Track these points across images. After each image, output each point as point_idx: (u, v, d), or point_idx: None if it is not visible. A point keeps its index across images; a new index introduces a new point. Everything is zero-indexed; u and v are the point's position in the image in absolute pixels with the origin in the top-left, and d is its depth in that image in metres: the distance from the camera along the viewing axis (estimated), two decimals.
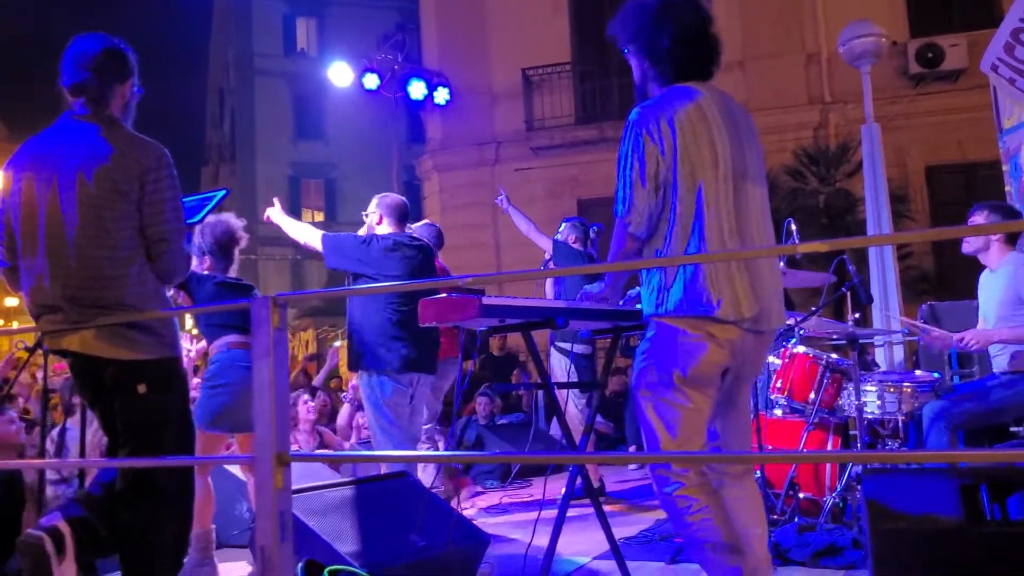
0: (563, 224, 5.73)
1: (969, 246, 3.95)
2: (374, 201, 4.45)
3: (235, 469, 4.42)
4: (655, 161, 2.35)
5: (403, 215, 4.39)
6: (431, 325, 2.74)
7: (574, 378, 5.29)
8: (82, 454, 3.73)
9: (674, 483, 2.33)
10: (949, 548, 2.47)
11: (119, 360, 2.46)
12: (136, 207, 2.48)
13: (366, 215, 4.45)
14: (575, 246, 5.58)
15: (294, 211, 27.76)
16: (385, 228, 4.32)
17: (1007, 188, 6.14)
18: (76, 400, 3.71)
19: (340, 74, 11.53)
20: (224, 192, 3.67)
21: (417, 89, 11.63)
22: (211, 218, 4.05)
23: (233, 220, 4.11)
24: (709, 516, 2.29)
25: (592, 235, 5.67)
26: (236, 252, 4.09)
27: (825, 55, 11.93)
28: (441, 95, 11.89)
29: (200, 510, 3.80)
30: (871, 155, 6.85)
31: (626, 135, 2.41)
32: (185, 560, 3.76)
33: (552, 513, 2.96)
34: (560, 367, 5.45)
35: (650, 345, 2.41)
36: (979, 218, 3.84)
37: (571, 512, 3.07)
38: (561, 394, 5.49)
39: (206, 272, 4.04)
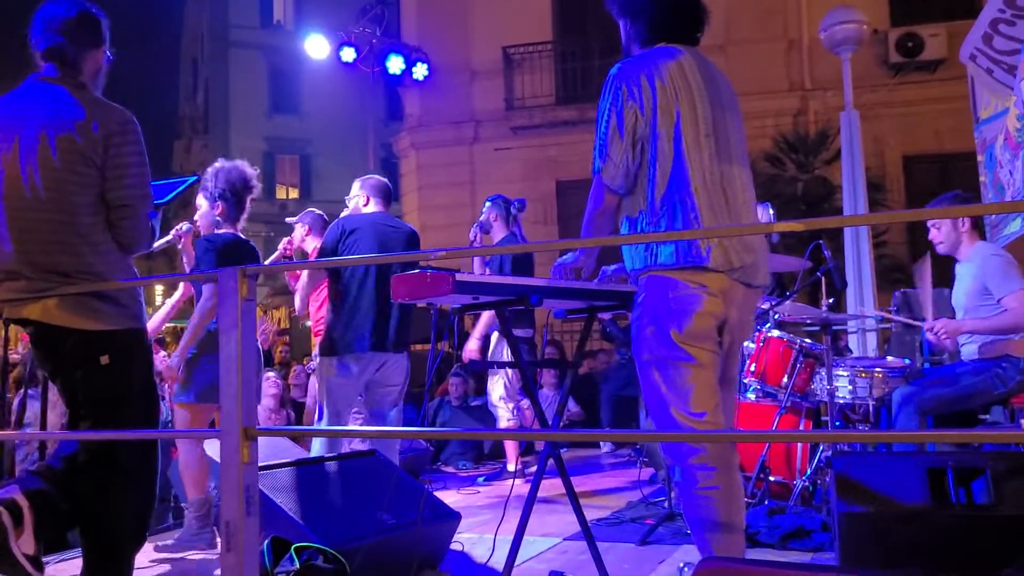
0: (486, 203, 5.68)
1: (944, 247, 3.95)
2: (356, 184, 4.43)
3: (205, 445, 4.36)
4: (633, 115, 2.34)
5: (387, 196, 4.38)
6: (404, 302, 2.70)
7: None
8: (43, 426, 3.66)
9: (692, 448, 2.28)
10: (915, 531, 2.49)
11: (82, 330, 2.40)
12: (99, 172, 2.41)
13: (349, 199, 4.41)
14: (496, 224, 5.54)
15: (268, 187, 27.52)
16: (372, 208, 4.30)
17: (982, 178, 6.18)
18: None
19: (317, 47, 11.35)
20: (195, 178, 3.63)
21: (395, 64, 11.48)
22: (224, 163, 4.01)
23: (247, 167, 4.01)
24: (714, 496, 2.26)
25: (514, 211, 5.62)
26: (248, 201, 3.99)
27: (806, 41, 11.94)
28: (420, 71, 11.75)
29: (197, 477, 3.77)
30: (849, 143, 6.89)
31: (606, 90, 2.39)
32: (183, 529, 3.75)
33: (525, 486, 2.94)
34: (502, 351, 5.45)
35: (642, 309, 2.36)
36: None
37: (542, 493, 3.06)
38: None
39: (215, 229, 3.93)
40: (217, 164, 4.00)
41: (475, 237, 5.54)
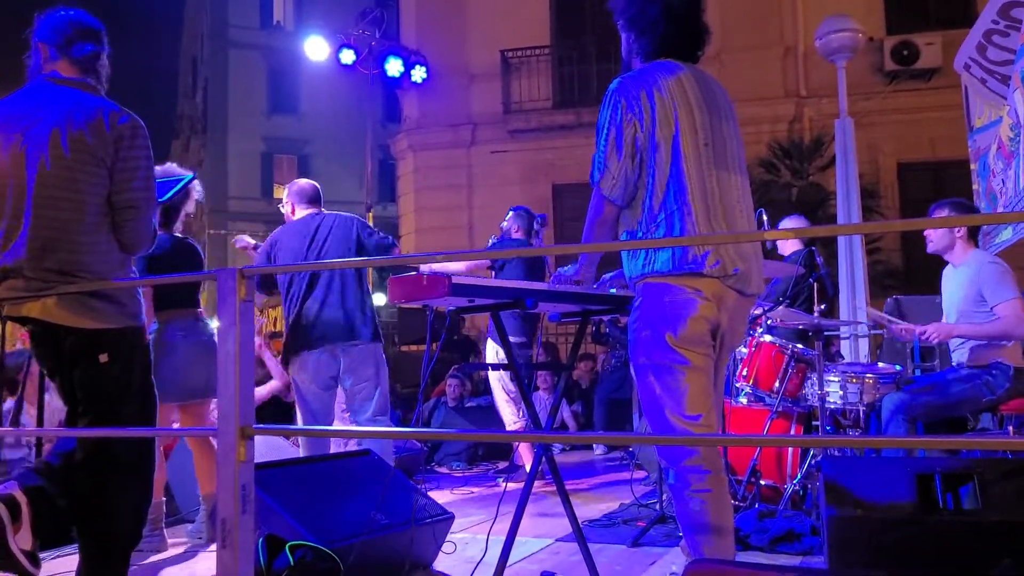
0: (509, 213, 5.72)
1: (933, 245, 3.99)
2: (284, 191, 4.47)
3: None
4: (632, 129, 2.38)
5: (313, 198, 4.36)
6: (401, 304, 2.73)
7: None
8: (40, 423, 3.66)
9: (686, 451, 2.31)
10: (903, 536, 2.52)
11: (81, 329, 2.42)
12: (108, 173, 2.46)
13: (282, 206, 4.46)
14: (517, 235, 5.57)
15: (266, 187, 27.50)
16: (299, 215, 4.31)
17: (975, 187, 6.23)
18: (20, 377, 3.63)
19: (316, 48, 11.39)
20: (191, 176, 3.67)
21: (394, 66, 11.53)
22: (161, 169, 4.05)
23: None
24: (707, 499, 2.29)
25: (536, 227, 5.65)
26: (183, 212, 4.02)
27: (802, 49, 11.99)
28: (418, 73, 11.80)
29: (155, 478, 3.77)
30: (844, 150, 6.92)
31: (605, 103, 2.43)
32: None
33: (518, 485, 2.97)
34: (495, 358, 5.47)
35: (639, 312, 2.40)
36: (940, 216, 3.90)
37: (535, 494, 3.09)
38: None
39: None
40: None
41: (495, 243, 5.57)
